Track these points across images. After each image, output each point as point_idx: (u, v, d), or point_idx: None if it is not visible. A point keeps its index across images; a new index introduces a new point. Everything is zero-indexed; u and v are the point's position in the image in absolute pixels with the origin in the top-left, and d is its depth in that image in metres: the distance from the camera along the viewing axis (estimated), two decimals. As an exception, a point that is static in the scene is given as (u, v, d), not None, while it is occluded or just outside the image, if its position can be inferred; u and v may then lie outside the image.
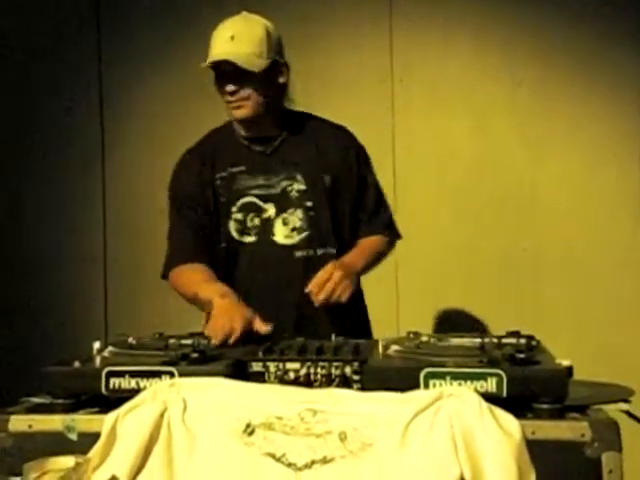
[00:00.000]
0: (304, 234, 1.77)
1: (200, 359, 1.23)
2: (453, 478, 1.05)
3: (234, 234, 1.78)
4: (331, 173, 1.80)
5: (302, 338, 1.47)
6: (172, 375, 1.19)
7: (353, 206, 1.84)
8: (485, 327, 2.94)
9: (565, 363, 1.17)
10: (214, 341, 1.43)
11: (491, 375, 1.14)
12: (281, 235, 1.77)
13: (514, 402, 1.13)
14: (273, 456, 1.11)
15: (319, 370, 1.23)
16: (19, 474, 1.10)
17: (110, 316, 3.06)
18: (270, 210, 1.77)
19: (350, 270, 1.68)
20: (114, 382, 1.20)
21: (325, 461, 1.10)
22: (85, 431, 1.17)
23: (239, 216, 1.77)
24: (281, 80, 1.78)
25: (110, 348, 1.36)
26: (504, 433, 1.07)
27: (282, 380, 1.23)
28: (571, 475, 1.09)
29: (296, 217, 1.77)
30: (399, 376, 1.17)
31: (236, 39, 1.70)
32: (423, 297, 2.98)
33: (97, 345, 1.32)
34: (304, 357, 1.26)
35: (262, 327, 1.52)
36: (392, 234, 1.93)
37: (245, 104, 1.73)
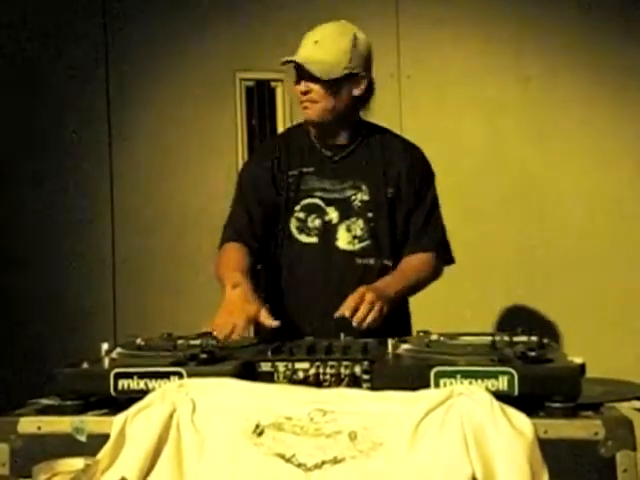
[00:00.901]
0: (364, 243, 1.81)
1: (209, 360, 1.23)
2: (464, 477, 1.04)
3: (294, 231, 1.81)
4: (394, 186, 1.83)
5: (311, 337, 1.46)
6: (181, 376, 1.19)
7: (406, 221, 1.85)
8: (495, 325, 2.92)
9: (577, 361, 1.16)
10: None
11: (502, 373, 1.12)
12: (344, 241, 1.81)
13: (526, 401, 1.12)
14: (283, 456, 1.10)
15: (328, 370, 1.23)
16: (28, 476, 1.10)
17: (119, 316, 3.07)
18: (332, 214, 1.81)
19: (382, 294, 1.65)
20: (123, 383, 1.20)
21: (335, 461, 1.09)
22: (94, 432, 1.16)
23: (301, 215, 1.81)
24: (356, 92, 1.80)
25: (118, 349, 1.36)
26: (516, 432, 1.06)
27: (291, 380, 1.22)
28: (584, 474, 1.07)
29: (358, 226, 1.81)
30: (409, 375, 1.16)
31: (319, 44, 1.76)
32: (432, 296, 2.96)
33: (105, 346, 1.31)
34: (313, 357, 1.25)
35: (268, 320, 1.53)
36: (441, 255, 1.88)
37: (313, 107, 1.78)
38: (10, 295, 3.00)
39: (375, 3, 3.04)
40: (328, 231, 1.80)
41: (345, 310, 1.59)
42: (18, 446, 1.17)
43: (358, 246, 1.81)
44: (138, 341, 1.43)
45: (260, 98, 3.15)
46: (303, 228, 1.81)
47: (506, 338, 1.33)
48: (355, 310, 1.59)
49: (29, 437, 1.17)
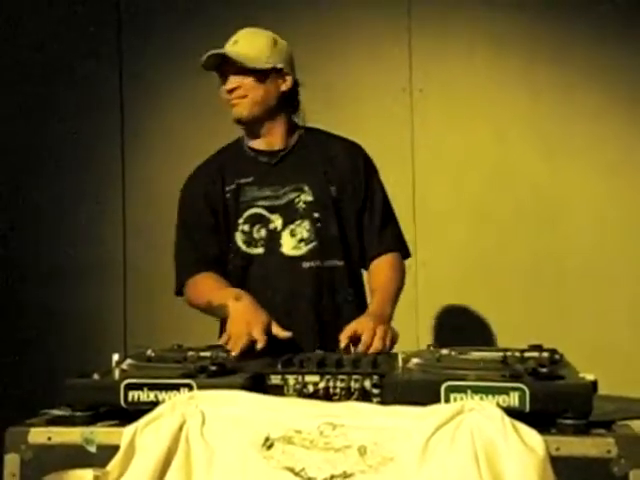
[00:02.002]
0: (311, 245, 1.76)
1: (219, 372, 1.23)
2: (475, 494, 1.03)
3: (241, 245, 1.77)
4: (337, 184, 1.80)
5: (321, 351, 1.46)
6: (190, 388, 1.19)
7: (359, 219, 1.81)
8: (507, 338, 2.90)
9: (589, 377, 1.15)
10: (234, 352, 1.42)
11: (514, 389, 1.12)
12: (289, 246, 1.76)
13: (537, 417, 1.11)
14: (292, 470, 1.10)
15: (338, 383, 1.22)
16: (38, 486, 1.10)
17: (129, 325, 3.08)
18: (277, 221, 1.77)
19: (385, 321, 1.62)
20: (133, 395, 1.20)
21: (345, 476, 1.09)
22: (104, 444, 1.16)
23: (245, 228, 1.77)
24: (283, 88, 1.80)
25: (129, 360, 1.36)
26: (527, 449, 1.05)
27: (301, 393, 1.22)
28: (597, 493, 1.06)
29: (303, 228, 1.76)
30: (419, 390, 1.15)
31: (239, 43, 1.77)
32: (443, 309, 2.96)
33: (116, 357, 1.32)
34: (323, 370, 1.25)
35: (281, 332, 1.52)
36: (403, 250, 1.87)
37: (241, 102, 1.76)
38: (21, 307, 3.01)
39: (387, 18, 3.06)
40: (273, 239, 1.76)
41: (344, 338, 1.53)
42: (28, 456, 1.17)
43: (305, 249, 1.76)
44: (148, 352, 1.43)
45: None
46: (250, 240, 1.77)
47: (517, 354, 1.32)
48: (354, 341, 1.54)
49: (39, 447, 1.17)
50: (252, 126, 1.81)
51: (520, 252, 3.02)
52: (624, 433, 1.11)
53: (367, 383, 1.21)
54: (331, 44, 3.03)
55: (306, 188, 1.78)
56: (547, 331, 2.92)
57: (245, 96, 1.76)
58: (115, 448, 1.14)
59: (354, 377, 1.22)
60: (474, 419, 1.08)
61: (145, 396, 1.20)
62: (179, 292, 1.83)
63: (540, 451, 1.05)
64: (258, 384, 1.22)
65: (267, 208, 1.77)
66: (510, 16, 3.06)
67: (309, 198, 1.77)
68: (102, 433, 1.18)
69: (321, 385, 1.22)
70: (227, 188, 1.79)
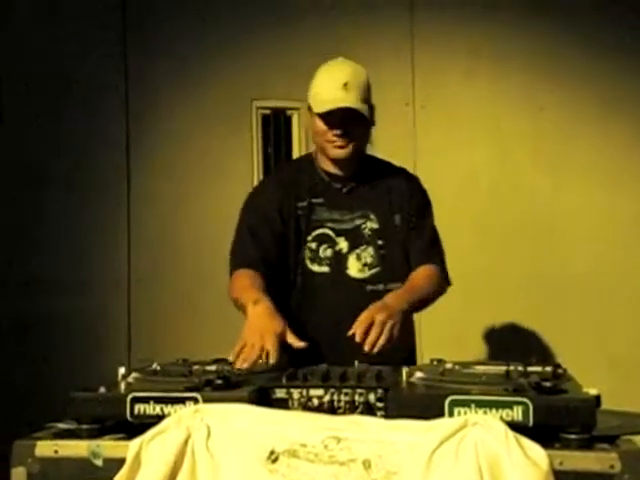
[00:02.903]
0: (375, 270, 1.86)
1: (224, 385, 1.23)
2: (479, 508, 1.03)
3: (307, 261, 1.86)
4: (399, 215, 1.90)
5: (325, 364, 1.47)
6: (196, 401, 1.19)
7: (409, 244, 1.89)
8: (509, 350, 2.90)
9: (593, 392, 1.15)
10: (245, 365, 1.44)
11: (517, 403, 1.12)
12: (355, 269, 1.86)
13: (541, 431, 1.11)
14: (297, 484, 1.10)
15: (343, 397, 1.23)
16: (45, 499, 1.11)
17: (134, 337, 3.08)
18: (342, 244, 1.86)
19: (393, 310, 1.66)
20: (139, 408, 1.21)
21: (349, 490, 1.09)
22: (110, 457, 1.17)
23: (313, 245, 1.86)
24: (373, 124, 1.89)
25: (135, 374, 1.37)
26: (531, 463, 1.06)
27: (305, 407, 1.23)
28: (600, 507, 1.07)
29: (368, 254, 1.86)
30: (423, 404, 1.16)
31: (349, 86, 1.80)
32: (445, 323, 2.96)
33: (122, 371, 1.33)
34: (328, 384, 1.25)
35: (296, 342, 1.54)
36: (444, 274, 1.92)
37: (349, 145, 1.83)
38: (25, 320, 3.02)
39: (391, 34, 3.09)
40: (339, 260, 1.85)
41: (357, 337, 1.59)
42: (35, 470, 1.18)
43: (368, 273, 1.86)
44: (154, 366, 1.44)
45: (276, 126, 3.19)
46: (315, 258, 1.86)
47: (520, 368, 1.32)
48: (366, 334, 1.59)
49: (46, 461, 1.18)
50: (348, 162, 1.87)
51: (521, 265, 3.03)
52: (628, 448, 1.11)
53: (371, 397, 1.22)
54: (334, 59, 3.05)
55: (372, 216, 1.88)
56: (549, 344, 2.93)
57: (353, 141, 1.83)
58: (121, 461, 1.14)
59: (358, 391, 1.22)
60: (478, 433, 1.09)
61: (151, 409, 1.20)
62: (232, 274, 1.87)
63: (543, 465, 1.06)
64: (263, 398, 1.23)
65: (334, 230, 1.87)
66: (512, 33, 3.09)
67: (374, 226, 1.88)
68: (108, 446, 1.19)
69: (325, 399, 1.23)
70: (300, 204, 1.88)
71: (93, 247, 3.11)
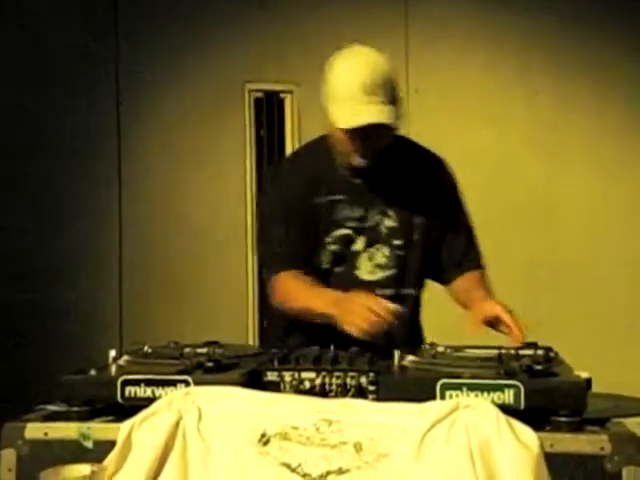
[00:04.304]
0: (389, 272, 1.71)
1: (215, 368, 1.23)
2: (470, 490, 1.04)
3: (323, 262, 1.72)
4: (423, 212, 1.73)
5: (317, 347, 1.46)
6: (187, 384, 1.19)
7: (441, 237, 1.75)
8: (503, 337, 2.91)
9: (584, 375, 1.16)
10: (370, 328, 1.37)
11: (508, 387, 1.12)
12: (365, 270, 1.71)
13: (532, 414, 1.12)
14: (288, 466, 1.11)
15: (334, 380, 1.23)
16: (35, 482, 1.11)
17: (125, 322, 3.08)
18: (360, 243, 1.71)
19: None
20: (130, 390, 1.20)
21: (340, 472, 1.10)
22: (101, 439, 1.17)
23: (332, 247, 1.71)
24: (401, 116, 1.70)
25: (126, 356, 1.36)
26: (522, 446, 1.06)
27: (297, 390, 1.23)
28: (590, 489, 1.07)
29: (382, 253, 1.71)
30: (415, 387, 1.16)
31: (372, 88, 1.59)
32: (440, 310, 2.96)
33: (113, 353, 1.32)
34: (319, 367, 1.25)
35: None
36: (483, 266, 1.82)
37: (373, 152, 1.66)
38: (16, 304, 3.01)
39: (384, 17, 3.07)
40: (351, 260, 1.71)
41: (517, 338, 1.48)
42: (25, 452, 1.17)
43: (380, 275, 1.71)
44: (145, 349, 1.44)
45: (269, 109, 3.17)
46: (332, 259, 1.71)
47: (512, 351, 1.33)
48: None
49: (36, 443, 1.17)
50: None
51: (516, 253, 3.03)
52: (617, 430, 1.12)
53: (363, 380, 1.22)
54: (326, 43, 3.03)
55: (390, 212, 1.71)
56: (542, 330, 2.94)
57: (378, 148, 1.66)
58: (112, 444, 1.14)
59: (350, 374, 1.22)
60: (469, 416, 1.09)
61: (142, 392, 1.20)
62: (269, 273, 1.75)
63: (534, 448, 1.06)
64: (254, 380, 1.23)
65: (354, 229, 1.71)
66: (507, 18, 3.08)
67: (393, 224, 1.71)
68: (99, 429, 1.18)
69: (317, 382, 1.23)
70: (320, 200, 1.71)
71: (84, 232, 3.09)
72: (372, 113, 1.60)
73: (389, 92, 1.63)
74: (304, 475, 1.10)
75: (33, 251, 3.07)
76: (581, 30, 3.03)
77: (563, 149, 3.05)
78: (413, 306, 1.75)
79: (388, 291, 1.69)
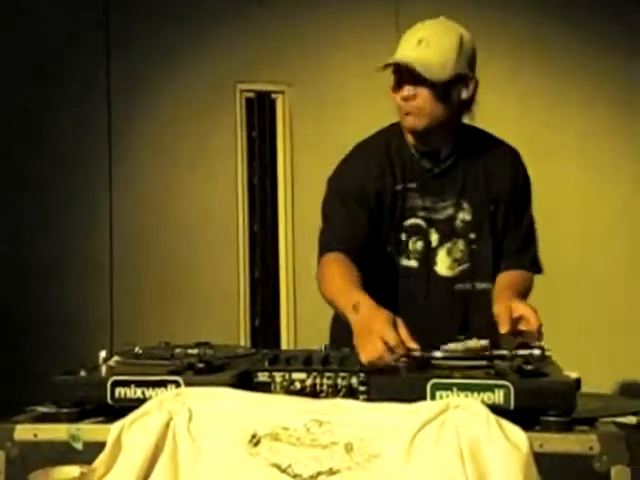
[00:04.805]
0: (465, 266, 1.67)
1: (206, 369, 1.23)
2: (460, 490, 1.04)
3: (394, 253, 1.66)
4: (496, 201, 1.70)
5: (307, 349, 1.46)
6: (178, 385, 1.19)
7: (503, 232, 1.72)
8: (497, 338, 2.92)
9: (573, 375, 1.17)
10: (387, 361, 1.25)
11: (498, 387, 1.13)
12: (443, 266, 1.67)
13: (522, 414, 1.12)
14: (279, 467, 1.11)
15: (325, 380, 1.23)
16: (24, 483, 1.10)
17: (116, 325, 3.06)
18: (434, 236, 1.67)
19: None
20: (120, 391, 1.20)
21: (331, 472, 1.10)
22: (90, 440, 1.16)
23: (403, 236, 1.66)
24: (464, 95, 1.65)
25: (116, 357, 1.36)
26: (511, 446, 1.07)
27: (288, 390, 1.23)
28: (579, 489, 1.08)
29: (458, 248, 1.67)
30: (406, 387, 1.16)
31: (423, 43, 1.58)
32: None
33: (103, 354, 1.32)
34: (310, 367, 1.25)
35: (409, 340, 1.28)
36: (534, 269, 1.79)
37: (417, 113, 1.60)
38: (6, 305, 2.99)
39: (376, 18, 3.07)
40: (428, 255, 1.66)
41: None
42: (14, 453, 1.17)
43: (458, 269, 1.67)
44: (136, 349, 1.43)
45: (260, 110, 3.16)
46: (404, 250, 1.66)
47: (503, 351, 1.33)
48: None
49: (25, 444, 1.17)
50: (424, 135, 1.65)
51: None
52: (606, 430, 1.12)
53: (354, 380, 1.22)
54: (320, 42, 3.04)
55: (465, 205, 1.68)
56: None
57: (423, 108, 1.60)
58: (101, 445, 1.14)
59: (341, 374, 1.23)
60: (459, 416, 1.09)
61: (132, 393, 1.20)
62: (321, 255, 1.66)
63: (524, 448, 1.07)
64: (245, 381, 1.22)
65: (426, 220, 1.66)
66: (497, 19, 3.09)
67: (468, 217, 1.67)
68: (88, 430, 1.18)
69: (308, 382, 1.23)
70: (396, 187, 1.66)
71: (75, 231, 3.08)
72: (409, 56, 1.56)
73: (450, 55, 1.59)
74: (295, 476, 1.10)
75: (23, 251, 3.06)
76: (574, 31, 3.04)
77: (555, 150, 3.06)
78: (489, 301, 1.63)
79: (466, 285, 1.67)
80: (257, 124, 3.16)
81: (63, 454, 1.15)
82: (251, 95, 3.16)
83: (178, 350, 1.42)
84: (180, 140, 3.07)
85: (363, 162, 1.70)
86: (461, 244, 1.67)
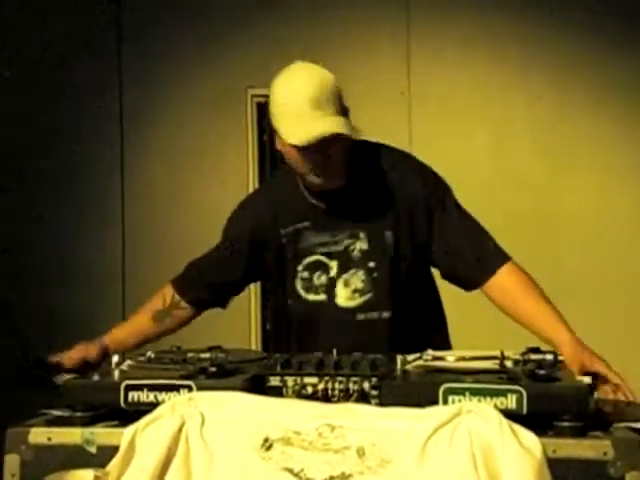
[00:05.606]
0: (367, 296, 1.65)
1: (218, 373, 1.23)
2: (473, 496, 1.04)
3: (301, 292, 1.68)
4: (393, 228, 1.64)
5: (319, 353, 1.46)
6: (190, 389, 1.19)
7: (430, 251, 1.66)
8: (504, 341, 2.91)
9: (586, 380, 1.16)
10: None
11: (511, 392, 1.12)
12: (343, 297, 1.66)
13: (535, 419, 1.12)
14: (291, 471, 1.11)
15: (337, 385, 1.23)
16: (38, 487, 1.11)
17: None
18: (334, 269, 1.66)
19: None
20: (133, 395, 1.21)
21: (343, 477, 1.10)
22: (104, 444, 1.17)
23: (305, 274, 1.67)
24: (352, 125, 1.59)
25: (128, 362, 1.36)
26: (524, 451, 1.06)
27: (300, 395, 1.23)
28: (593, 494, 1.07)
29: (358, 278, 1.65)
30: (418, 392, 1.16)
31: (319, 103, 1.53)
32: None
33: (116, 358, 1.33)
34: (322, 372, 1.25)
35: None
36: (507, 259, 1.75)
37: (334, 173, 1.58)
38: (20, 312, 3.01)
39: (387, 23, 3.08)
40: (331, 287, 1.66)
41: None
42: (28, 457, 1.17)
43: (360, 300, 1.64)
44: (148, 354, 1.44)
45: (271, 114, 3.17)
46: (310, 286, 1.67)
47: (515, 356, 1.32)
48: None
49: (39, 448, 1.18)
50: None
51: (518, 257, 3.01)
52: (621, 435, 1.11)
53: (366, 385, 1.22)
54: (329, 47, 3.04)
55: (362, 235, 1.64)
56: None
57: (338, 169, 1.58)
58: (115, 449, 1.14)
59: (353, 379, 1.22)
60: (472, 421, 1.09)
61: (145, 397, 1.20)
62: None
63: (537, 453, 1.06)
64: (257, 385, 1.23)
65: (326, 254, 1.66)
66: (507, 21, 3.08)
67: (364, 246, 1.64)
68: (102, 434, 1.18)
69: (320, 387, 1.23)
70: (284, 231, 1.68)
71: (87, 239, 3.10)
72: (325, 125, 1.51)
73: (337, 105, 1.56)
74: (307, 480, 1.10)
75: (35, 259, 3.08)
76: (583, 34, 3.03)
77: (565, 153, 3.05)
78: (389, 330, 1.64)
79: (370, 315, 1.64)
80: (268, 128, 3.16)
81: (77, 458, 1.16)
82: (262, 100, 3.17)
83: (190, 354, 1.42)
84: (192, 145, 3.08)
85: (245, 212, 1.76)
86: (361, 274, 1.65)
